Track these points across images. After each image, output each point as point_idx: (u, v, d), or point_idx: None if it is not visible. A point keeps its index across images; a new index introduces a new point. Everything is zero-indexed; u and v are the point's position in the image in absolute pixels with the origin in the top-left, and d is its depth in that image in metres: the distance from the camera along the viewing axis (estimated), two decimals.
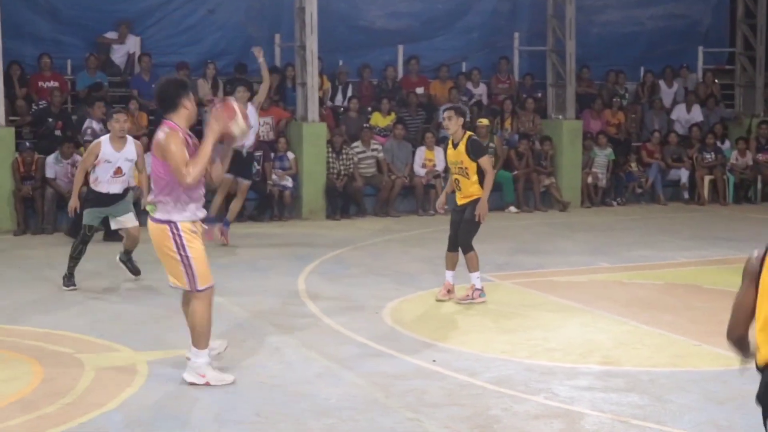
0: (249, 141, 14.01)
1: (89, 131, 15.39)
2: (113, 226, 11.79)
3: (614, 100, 20.86)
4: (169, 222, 7.39)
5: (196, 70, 18.70)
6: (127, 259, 11.80)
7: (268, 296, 11.06)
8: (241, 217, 15.79)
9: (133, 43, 18.86)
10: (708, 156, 20.20)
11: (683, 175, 20.22)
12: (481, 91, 20.50)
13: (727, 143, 21.00)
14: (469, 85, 20.44)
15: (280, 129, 18.09)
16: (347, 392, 7.54)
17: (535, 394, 7.53)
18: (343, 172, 17.72)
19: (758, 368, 4.84)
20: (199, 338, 7.57)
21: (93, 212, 11.44)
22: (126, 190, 11.61)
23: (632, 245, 14.54)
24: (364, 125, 18.58)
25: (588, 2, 21.60)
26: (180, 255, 7.40)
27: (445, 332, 9.46)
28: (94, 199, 11.43)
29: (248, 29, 19.72)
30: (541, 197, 19.02)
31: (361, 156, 18.13)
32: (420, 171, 18.33)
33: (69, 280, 11.37)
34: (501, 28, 21.56)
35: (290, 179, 17.49)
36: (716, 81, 22.79)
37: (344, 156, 17.82)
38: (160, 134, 7.38)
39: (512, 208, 18.51)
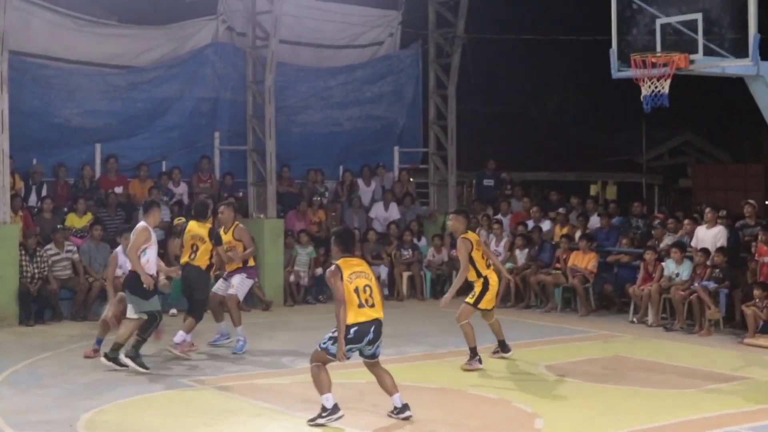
0: None
1: None
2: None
3: (314, 198, 21.18)
4: None
5: None
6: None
7: None
8: None
9: None
10: (406, 253, 20.79)
11: (383, 271, 20.68)
12: (182, 190, 20.31)
13: (424, 240, 21.72)
14: (170, 185, 20.21)
15: None
16: None
17: None
18: (37, 275, 16.98)
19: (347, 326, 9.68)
20: None
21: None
22: None
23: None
24: (58, 226, 17.92)
25: (288, 103, 21.94)
26: None
27: None
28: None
29: None
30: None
31: (54, 258, 17.43)
32: (119, 272, 17.77)
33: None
34: (201, 128, 21.51)
35: None
36: (411, 179, 23.65)
37: (38, 258, 17.08)
38: None
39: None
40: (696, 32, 13.24)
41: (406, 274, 20.66)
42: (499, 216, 21.49)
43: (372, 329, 9.84)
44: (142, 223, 13.03)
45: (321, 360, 9.86)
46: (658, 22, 13.62)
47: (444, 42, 23.27)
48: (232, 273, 14.39)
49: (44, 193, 18.98)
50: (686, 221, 18.20)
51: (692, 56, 13.21)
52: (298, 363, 13.28)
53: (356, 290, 9.77)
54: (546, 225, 20.66)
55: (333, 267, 9.93)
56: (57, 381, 12.10)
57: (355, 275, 9.83)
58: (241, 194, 20.75)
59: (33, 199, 18.90)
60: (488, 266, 13.32)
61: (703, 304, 16.16)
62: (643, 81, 13.40)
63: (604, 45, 14.32)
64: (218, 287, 14.53)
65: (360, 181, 22.57)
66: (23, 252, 17.06)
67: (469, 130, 24.71)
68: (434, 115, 23.58)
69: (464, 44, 23.10)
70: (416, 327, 16.69)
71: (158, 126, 21.05)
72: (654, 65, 13.31)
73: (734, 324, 16.26)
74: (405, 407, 10.19)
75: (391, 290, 20.67)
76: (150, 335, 12.80)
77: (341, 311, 9.72)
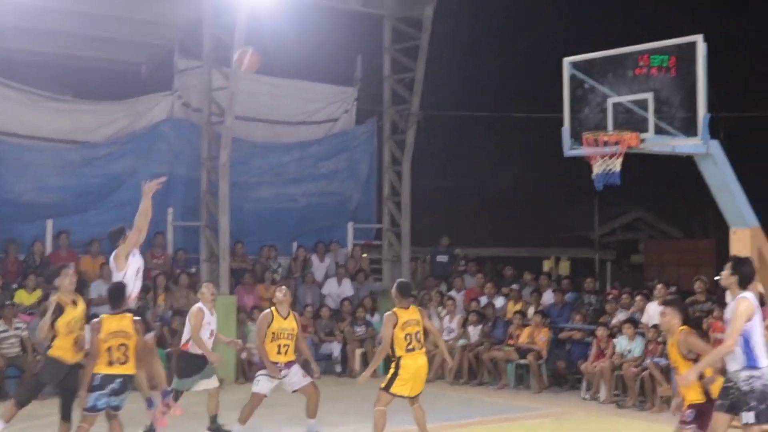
0: None
1: None
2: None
3: (266, 274, 21.06)
4: None
5: None
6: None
7: None
8: None
9: None
10: (359, 329, 20.69)
11: (335, 348, 20.59)
12: None
13: (377, 316, 21.60)
14: None
15: None
16: None
17: None
18: None
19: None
20: None
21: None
22: None
23: (286, 421, 14.46)
24: (7, 302, 17.69)
25: (242, 179, 21.93)
26: None
27: None
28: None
29: None
30: None
31: (3, 335, 17.18)
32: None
33: None
34: (155, 203, 21.18)
35: None
36: (365, 255, 23.61)
37: None
38: None
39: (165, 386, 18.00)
40: (647, 111, 13.45)
41: (359, 351, 20.54)
42: (452, 292, 21.49)
43: (118, 381, 11.00)
44: (197, 305, 13.36)
45: (89, 423, 11.05)
46: (610, 101, 13.82)
47: (399, 118, 23.43)
48: (289, 364, 13.44)
49: None
50: (638, 297, 18.30)
51: (643, 135, 13.40)
52: None
53: (109, 349, 10.87)
54: (499, 301, 20.69)
55: (97, 321, 11.09)
56: None
57: (113, 335, 10.89)
58: (193, 270, 20.61)
59: None
60: (409, 350, 12.30)
61: (655, 381, 16.19)
62: (595, 159, 13.55)
63: (558, 122, 14.50)
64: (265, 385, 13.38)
65: (314, 257, 22.52)
66: None
67: (424, 206, 24.82)
68: (389, 191, 23.65)
69: (419, 121, 23.26)
70: (370, 404, 16.48)
71: (111, 202, 20.94)
72: (606, 143, 13.47)
73: None
74: None
75: (344, 367, 20.54)
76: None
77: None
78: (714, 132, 13.68)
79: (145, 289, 18.96)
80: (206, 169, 20.50)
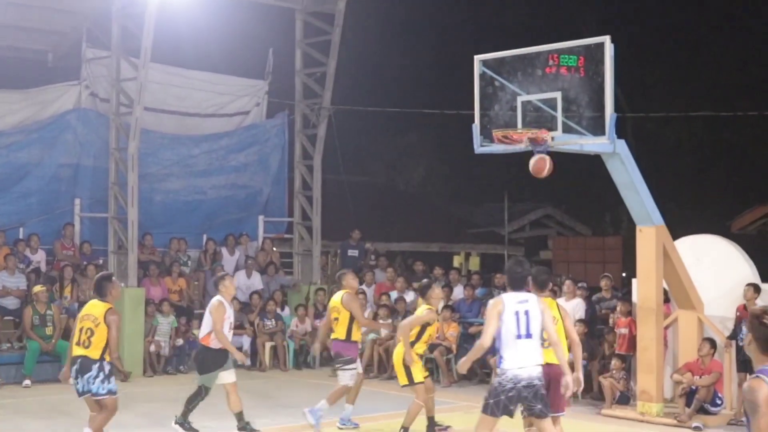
0: None
1: None
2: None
3: (174, 266, 20.88)
4: None
5: None
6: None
7: None
8: None
9: None
10: (269, 323, 20.63)
11: (245, 341, 20.50)
12: (40, 257, 19.82)
13: (287, 310, 21.60)
14: (27, 252, 19.70)
15: None
16: None
17: None
18: None
19: None
20: None
21: None
22: None
23: (197, 416, 14.35)
24: None
25: (151, 170, 21.71)
26: None
27: None
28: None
29: None
30: None
31: None
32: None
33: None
34: (61, 194, 21.11)
35: None
36: (275, 249, 23.54)
37: None
38: None
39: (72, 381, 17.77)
40: (555, 110, 13.61)
41: (269, 344, 20.48)
42: (363, 286, 21.52)
43: (78, 362, 10.89)
44: (218, 298, 12.86)
45: (114, 407, 11.10)
46: (519, 100, 13.95)
47: (310, 112, 23.40)
48: None
49: None
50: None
51: (552, 133, 13.55)
52: None
53: (80, 330, 10.92)
54: (410, 296, 20.77)
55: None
56: None
57: (85, 317, 10.98)
58: (101, 262, 20.35)
59: None
60: None
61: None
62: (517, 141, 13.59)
63: (468, 119, 14.59)
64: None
65: (224, 250, 22.38)
66: None
67: (334, 200, 24.81)
68: (299, 185, 23.62)
69: (330, 115, 23.28)
70: (279, 398, 16.51)
71: (16, 192, 20.60)
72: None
73: (592, 395, 16.55)
74: None
75: (253, 360, 20.45)
76: (195, 406, 12.88)
77: None
78: (621, 131, 13.91)
79: (51, 281, 18.78)
80: (114, 160, 20.23)
